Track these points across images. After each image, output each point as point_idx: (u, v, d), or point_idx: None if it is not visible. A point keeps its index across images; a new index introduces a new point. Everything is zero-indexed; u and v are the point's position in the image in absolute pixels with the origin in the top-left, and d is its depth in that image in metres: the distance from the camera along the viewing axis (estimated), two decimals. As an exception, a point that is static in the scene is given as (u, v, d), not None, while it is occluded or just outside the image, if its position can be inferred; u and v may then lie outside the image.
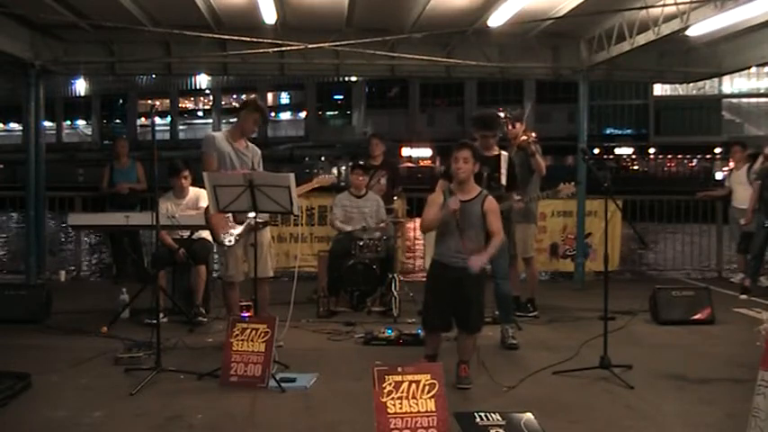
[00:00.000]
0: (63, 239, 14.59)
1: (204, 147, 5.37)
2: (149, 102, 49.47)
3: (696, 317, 6.59)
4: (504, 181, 5.60)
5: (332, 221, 7.33)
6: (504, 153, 5.73)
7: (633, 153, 45.90)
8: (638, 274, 10.21)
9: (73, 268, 9.76)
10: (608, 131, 45.25)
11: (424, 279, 5.31)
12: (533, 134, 6.52)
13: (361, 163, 7.50)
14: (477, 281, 4.62)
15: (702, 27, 7.23)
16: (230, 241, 5.23)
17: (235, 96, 48.69)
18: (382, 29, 8.34)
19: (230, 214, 5.15)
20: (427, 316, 4.72)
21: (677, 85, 35.19)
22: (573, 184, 5.94)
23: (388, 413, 3.37)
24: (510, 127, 6.65)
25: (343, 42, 8.30)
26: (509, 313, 5.80)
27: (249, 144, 5.50)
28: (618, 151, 45.32)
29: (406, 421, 3.37)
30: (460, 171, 4.51)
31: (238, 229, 5.24)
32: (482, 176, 5.38)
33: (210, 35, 8.29)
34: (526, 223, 6.70)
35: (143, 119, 52.54)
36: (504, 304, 5.75)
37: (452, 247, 4.56)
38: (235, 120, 5.65)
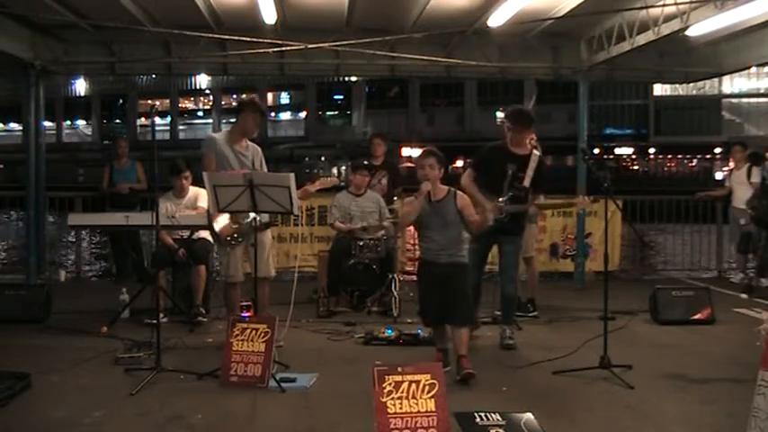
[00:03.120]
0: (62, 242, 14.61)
1: (204, 148, 5.38)
2: (149, 102, 49.44)
3: (696, 317, 6.59)
4: (527, 182, 5.48)
5: (332, 223, 7.33)
6: (535, 153, 5.57)
7: (633, 153, 45.86)
8: (639, 273, 10.18)
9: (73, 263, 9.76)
10: (608, 131, 45.18)
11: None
12: (533, 137, 6.45)
13: (366, 162, 7.49)
14: (460, 274, 4.82)
15: (702, 27, 7.23)
16: (233, 243, 5.24)
17: (235, 96, 48.59)
18: (382, 29, 8.35)
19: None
20: (422, 312, 5.00)
21: (677, 85, 35.14)
22: (591, 198, 5.71)
23: (388, 413, 3.38)
24: None
25: (343, 42, 8.30)
26: (510, 315, 5.80)
27: (250, 144, 5.50)
28: (618, 151, 45.27)
29: (406, 421, 3.37)
30: (426, 177, 4.72)
31: (225, 218, 5.20)
32: (506, 174, 5.37)
33: (210, 35, 8.30)
34: (528, 223, 6.68)
35: (143, 119, 52.45)
36: (507, 306, 5.75)
37: (435, 244, 4.81)
38: (234, 120, 5.64)
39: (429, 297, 4.88)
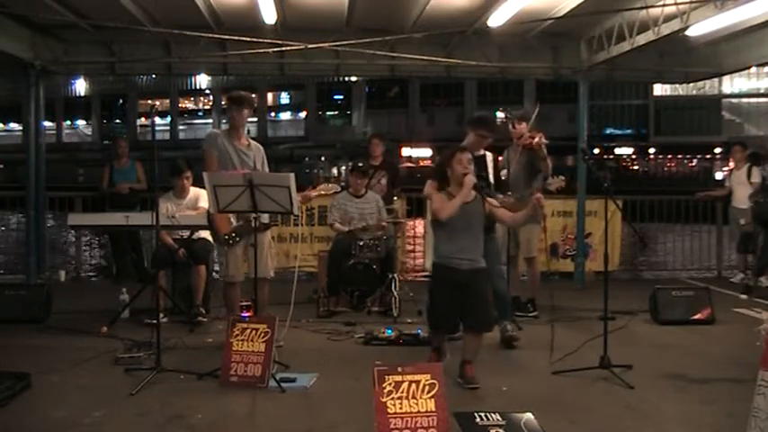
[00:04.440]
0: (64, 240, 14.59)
1: (206, 145, 5.38)
2: (149, 102, 49.45)
3: (696, 317, 6.60)
4: (491, 179, 5.63)
5: (331, 224, 7.33)
6: (488, 154, 5.75)
7: (633, 153, 45.86)
8: (638, 273, 10.19)
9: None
10: (608, 131, 45.18)
11: (425, 279, 5.35)
12: (543, 136, 6.41)
13: (360, 165, 7.49)
14: (483, 280, 4.71)
15: (702, 27, 7.23)
16: (231, 242, 5.23)
17: (235, 96, 48.54)
18: (382, 29, 8.34)
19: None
20: (434, 319, 4.79)
21: (677, 85, 35.11)
22: (561, 178, 5.94)
23: (388, 413, 3.38)
24: (512, 127, 6.62)
25: (343, 42, 8.30)
26: (506, 311, 5.81)
27: (251, 142, 5.51)
28: (618, 151, 45.26)
29: (406, 421, 3.37)
30: (467, 172, 4.62)
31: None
32: None
33: (210, 35, 8.29)
34: (531, 224, 6.67)
35: (143, 119, 52.45)
36: (501, 303, 5.74)
37: (457, 248, 4.63)
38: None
39: (443, 304, 4.67)
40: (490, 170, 5.66)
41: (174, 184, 6.67)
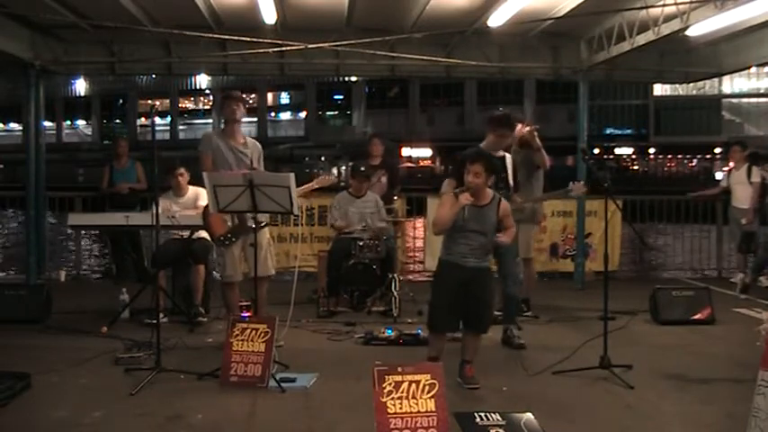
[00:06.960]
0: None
1: (201, 146, 5.40)
2: (149, 102, 49.46)
3: (696, 317, 6.59)
4: (510, 181, 5.59)
5: (332, 223, 7.33)
6: (507, 155, 5.70)
7: (633, 153, 45.88)
8: (638, 273, 10.20)
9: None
10: (608, 131, 45.18)
11: (426, 279, 5.33)
12: (534, 126, 6.35)
13: (363, 169, 7.47)
14: (489, 281, 4.70)
15: (702, 27, 7.23)
16: (227, 243, 5.23)
17: (235, 96, 48.57)
18: (382, 29, 8.35)
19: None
20: (435, 317, 4.67)
21: (677, 85, 35.10)
22: (583, 183, 5.87)
23: (388, 413, 3.37)
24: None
25: (343, 42, 8.30)
26: (513, 314, 5.81)
27: (248, 140, 5.51)
28: (618, 151, 45.29)
29: (406, 421, 3.37)
30: (472, 184, 4.53)
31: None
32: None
33: (210, 35, 8.30)
34: (530, 224, 6.66)
35: (143, 119, 52.49)
36: (510, 305, 5.76)
37: (465, 247, 4.57)
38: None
39: (446, 302, 4.59)
40: (510, 172, 5.58)
41: (171, 183, 6.68)
